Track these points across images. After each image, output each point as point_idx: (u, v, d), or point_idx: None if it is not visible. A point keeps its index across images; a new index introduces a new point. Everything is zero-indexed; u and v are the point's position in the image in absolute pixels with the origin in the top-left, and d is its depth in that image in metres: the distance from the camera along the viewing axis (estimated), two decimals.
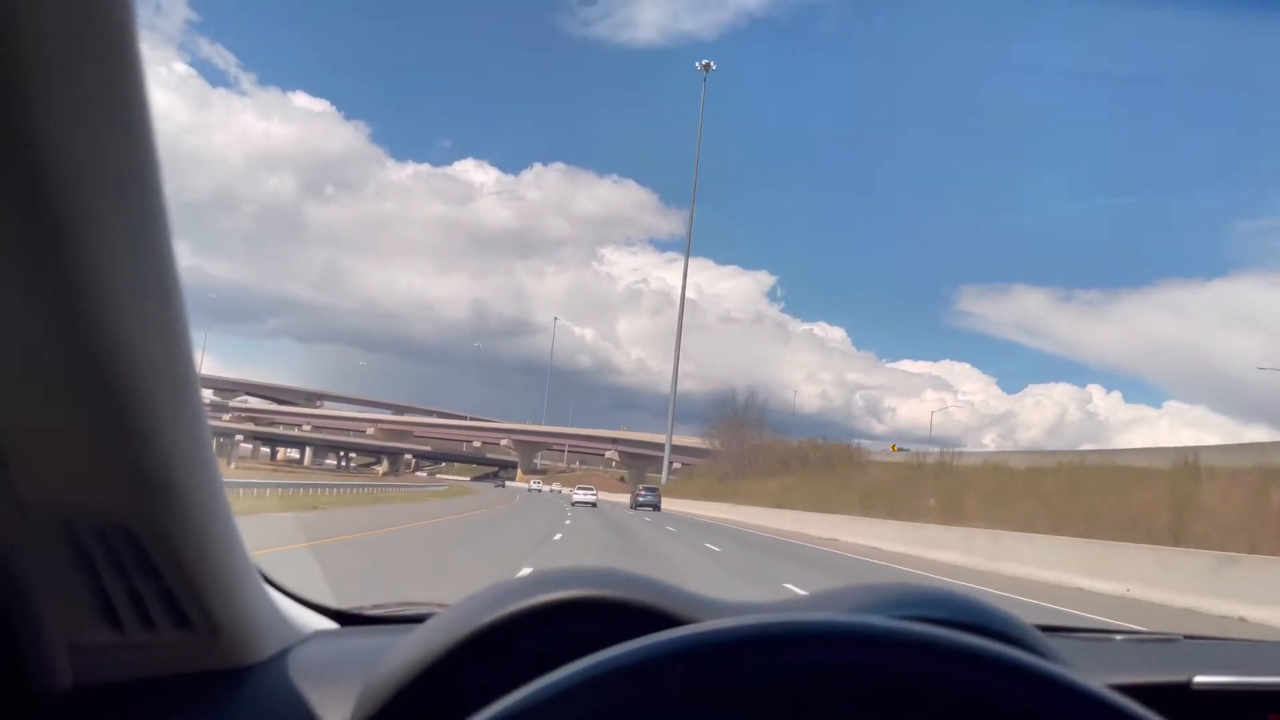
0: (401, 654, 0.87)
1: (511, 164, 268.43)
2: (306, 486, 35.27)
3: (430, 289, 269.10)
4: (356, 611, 1.36)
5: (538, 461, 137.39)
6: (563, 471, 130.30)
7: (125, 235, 0.61)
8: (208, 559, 0.87)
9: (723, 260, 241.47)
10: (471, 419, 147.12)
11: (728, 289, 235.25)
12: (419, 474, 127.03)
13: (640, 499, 55.08)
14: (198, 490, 0.81)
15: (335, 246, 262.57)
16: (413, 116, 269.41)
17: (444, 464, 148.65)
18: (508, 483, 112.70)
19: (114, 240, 0.60)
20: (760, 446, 66.70)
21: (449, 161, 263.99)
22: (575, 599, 0.87)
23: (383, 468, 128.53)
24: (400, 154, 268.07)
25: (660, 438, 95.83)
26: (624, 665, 0.55)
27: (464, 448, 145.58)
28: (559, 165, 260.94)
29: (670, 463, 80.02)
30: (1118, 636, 1.61)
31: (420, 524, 21.24)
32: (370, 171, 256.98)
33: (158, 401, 0.70)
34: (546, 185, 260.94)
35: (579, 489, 55.46)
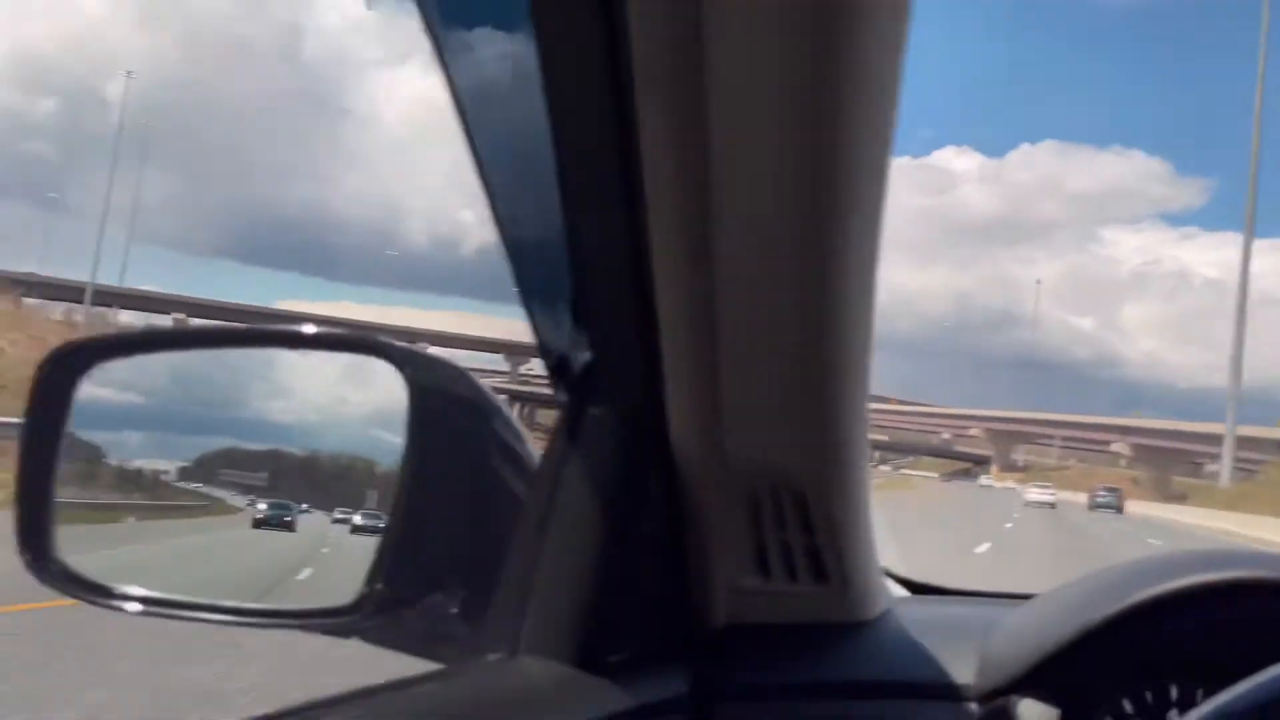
0: (1038, 626, 0.94)
1: (995, 147, 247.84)
2: None
3: (909, 283, 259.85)
4: (926, 583, 1.39)
5: (1018, 457, 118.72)
6: (1052, 468, 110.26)
7: (858, 232, 0.73)
8: (853, 520, 0.97)
9: (1259, 233, 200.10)
10: (937, 407, 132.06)
11: (1269, 266, 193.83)
12: (882, 468, 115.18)
13: (1098, 499, 50.36)
14: (859, 458, 0.92)
15: None
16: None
17: (911, 458, 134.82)
18: (980, 479, 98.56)
19: (854, 234, 0.73)
20: None
21: (928, 152, 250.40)
22: (1236, 581, 0.86)
23: None
24: None
25: (1196, 426, 74.44)
26: None
27: (933, 440, 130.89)
28: (1049, 143, 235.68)
29: (1231, 461, 59.56)
30: None
31: None
32: None
33: (851, 379, 0.83)
34: (1036, 165, 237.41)
35: (1034, 486, 49.07)
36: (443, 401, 0.92)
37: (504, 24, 0.75)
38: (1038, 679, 0.91)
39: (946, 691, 0.98)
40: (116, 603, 0.96)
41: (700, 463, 0.91)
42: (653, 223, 0.75)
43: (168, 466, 1.11)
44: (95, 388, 0.98)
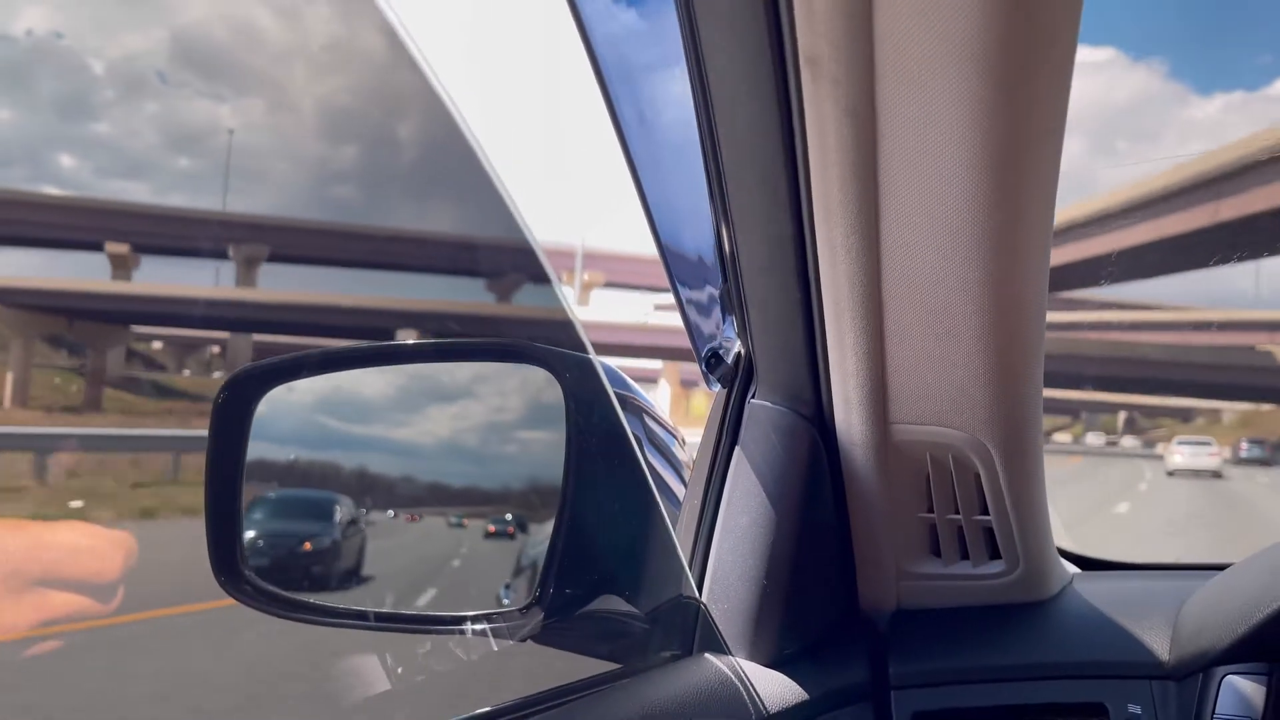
0: (1237, 597, 0.91)
1: None
2: None
3: None
4: (1098, 558, 1.38)
5: None
6: None
7: (1033, 211, 0.75)
8: (1028, 499, 0.96)
9: None
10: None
11: None
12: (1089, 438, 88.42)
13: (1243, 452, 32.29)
14: (1034, 433, 0.92)
15: None
16: (1219, 39, 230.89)
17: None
18: None
19: (1028, 215, 0.75)
20: None
21: (1268, 81, 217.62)
22: None
23: None
24: (1205, 87, 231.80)
25: None
26: None
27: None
28: None
29: None
30: None
31: None
32: (1170, 113, 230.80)
33: (1027, 354, 0.85)
34: None
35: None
36: (598, 401, 0.93)
37: (663, 19, 0.77)
38: (1240, 652, 0.88)
39: (1140, 669, 0.96)
40: (308, 616, 1.00)
41: (866, 447, 0.91)
42: (817, 209, 0.76)
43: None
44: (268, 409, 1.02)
